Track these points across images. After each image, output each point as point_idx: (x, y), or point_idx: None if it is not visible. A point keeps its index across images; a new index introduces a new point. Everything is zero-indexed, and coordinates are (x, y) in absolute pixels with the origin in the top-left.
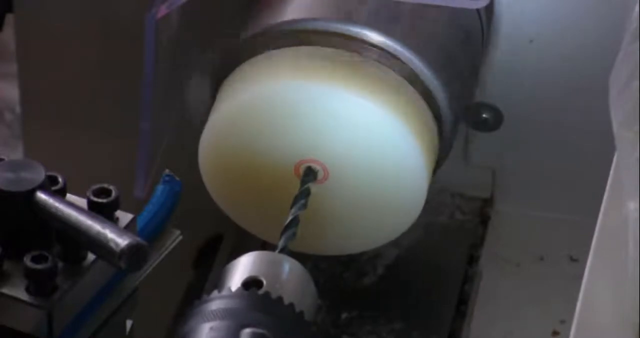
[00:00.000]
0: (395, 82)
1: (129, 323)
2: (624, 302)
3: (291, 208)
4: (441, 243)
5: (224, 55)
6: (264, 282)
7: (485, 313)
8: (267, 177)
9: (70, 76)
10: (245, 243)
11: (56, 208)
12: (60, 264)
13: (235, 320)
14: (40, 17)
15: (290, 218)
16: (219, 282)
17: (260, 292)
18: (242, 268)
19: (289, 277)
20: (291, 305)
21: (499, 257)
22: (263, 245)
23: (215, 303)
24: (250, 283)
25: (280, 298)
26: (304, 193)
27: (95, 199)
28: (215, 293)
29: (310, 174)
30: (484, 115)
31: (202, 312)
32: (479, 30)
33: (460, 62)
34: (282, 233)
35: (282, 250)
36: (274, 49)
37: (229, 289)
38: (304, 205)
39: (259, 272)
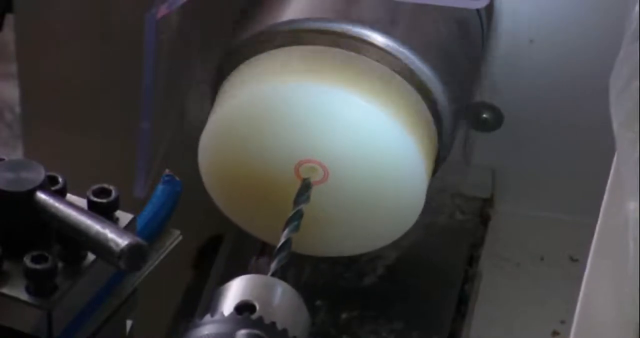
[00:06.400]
0: (395, 82)
1: (129, 323)
2: (624, 302)
3: (283, 230)
4: (441, 243)
5: (223, 55)
6: (257, 307)
7: (485, 313)
8: (267, 178)
9: (70, 76)
10: (245, 243)
11: (56, 208)
12: (60, 264)
13: None
14: (40, 17)
15: (282, 240)
16: (210, 305)
17: (254, 316)
18: (234, 291)
19: (281, 301)
20: (284, 331)
21: (499, 257)
22: (263, 246)
23: (208, 327)
24: (243, 308)
25: (273, 324)
26: (297, 215)
27: (95, 199)
28: (207, 317)
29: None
30: (484, 115)
31: (194, 337)
32: (479, 30)
33: (460, 62)
34: (274, 256)
35: (274, 274)
36: (273, 49)
37: (222, 314)
38: (297, 227)
39: (252, 295)
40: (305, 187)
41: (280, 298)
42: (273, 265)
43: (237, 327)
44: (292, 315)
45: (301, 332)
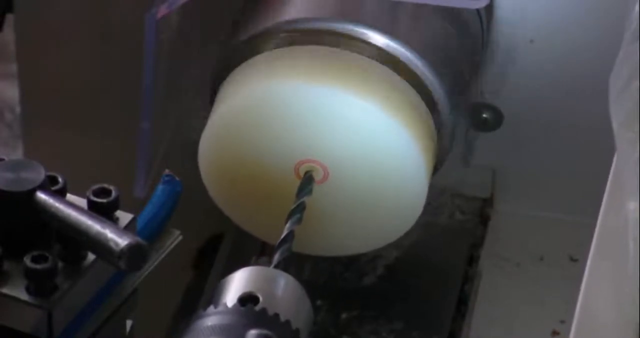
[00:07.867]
0: (395, 82)
1: (129, 323)
2: (624, 302)
3: (286, 222)
4: (441, 243)
5: (223, 56)
6: (260, 298)
7: (485, 313)
8: (267, 178)
9: (71, 76)
10: (245, 243)
11: (56, 208)
12: (60, 264)
13: (232, 337)
14: (40, 17)
15: (285, 233)
16: (213, 296)
17: (257, 308)
18: (237, 283)
19: (284, 292)
20: (287, 322)
21: (499, 257)
22: (263, 246)
23: (211, 319)
24: (246, 299)
25: (277, 315)
26: (300, 208)
27: (95, 199)
28: (211, 308)
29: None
30: (484, 115)
31: (198, 328)
32: (479, 30)
33: (460, 62)
34: (276, 249)
35: (277, 266)
36: (273, 49)
37: (225, 305)
38: (299, 220)
39: (255, 287)
40: (308, 181)
41: (283, 289)
42: (276, 257)
43: (240, 319)
44: (295, 306)
45: (304, 323)
